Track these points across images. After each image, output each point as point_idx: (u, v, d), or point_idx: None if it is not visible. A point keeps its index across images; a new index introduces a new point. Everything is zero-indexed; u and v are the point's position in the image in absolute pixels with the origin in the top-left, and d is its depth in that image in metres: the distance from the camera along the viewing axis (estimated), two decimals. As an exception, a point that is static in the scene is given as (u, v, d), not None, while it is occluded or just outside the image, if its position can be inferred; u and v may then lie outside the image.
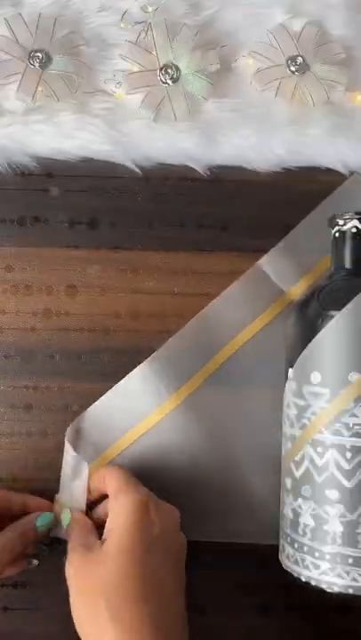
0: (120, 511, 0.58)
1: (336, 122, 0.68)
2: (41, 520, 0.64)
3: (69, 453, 0.67)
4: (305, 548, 0.58)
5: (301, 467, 0.58)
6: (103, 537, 0.59)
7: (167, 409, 0.67)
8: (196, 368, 0.68)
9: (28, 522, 0.64)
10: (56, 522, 0.65)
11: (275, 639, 0.67)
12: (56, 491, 0.67)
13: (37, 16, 0.65)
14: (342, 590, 0.56)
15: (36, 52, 0.65)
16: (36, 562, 0.65)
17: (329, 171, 0.69)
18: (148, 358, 0.68)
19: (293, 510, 0.59)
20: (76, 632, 0.56)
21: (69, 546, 0.61)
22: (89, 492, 0.65)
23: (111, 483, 0.62)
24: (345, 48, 0.67)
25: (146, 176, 0.69)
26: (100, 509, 0.64)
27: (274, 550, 0.64)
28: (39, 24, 0.65)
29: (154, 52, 0.66)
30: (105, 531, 0.59)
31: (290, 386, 0.60)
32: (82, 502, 0.65)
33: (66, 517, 0.64)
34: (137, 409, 0.67)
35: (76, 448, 0.67)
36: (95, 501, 0.65)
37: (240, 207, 0.69)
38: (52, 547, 0.65)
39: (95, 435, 0.68)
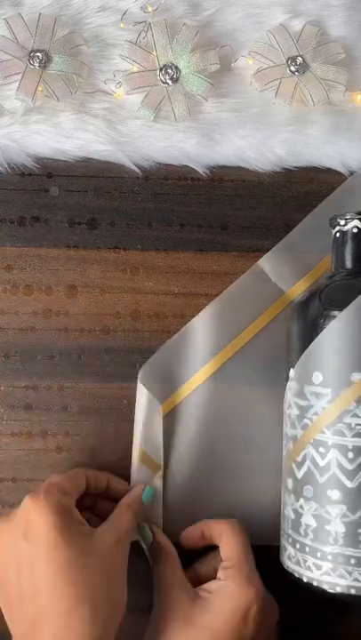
0: (225, 596, 0.59)
1: (336, 122, 0.68)
2: (146, 495, 0.65)
3: (142, 394, 0.67)
4: (307, 549, 0.58)
5: (303, 467, 0.58)
6: (200, 589, 0.61)
7: (167, 408, 0.67)
8: (197, 369, 0.68)
9: (137, 498, 0.64)
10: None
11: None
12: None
13: (37, 16, 0.65)
14: (344, 591, 0.56)
15: (35, 52, 0.65)
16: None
17: (329, 171, 0.69)
18: (147, 360, 0.68)
19: (295, 511, 0.59)
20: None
21: (158, 569, 0.62)
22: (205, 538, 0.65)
23: (228, 549, 0.62)
24: (345, 48, 0.67)
25: (146, 176, 0.69)
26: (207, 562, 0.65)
27: (274, 551, 0.64)
28: (39, 24, 0.65)
29: (154, 52, 0.66)
30: (203, 588, 0.61)
31: (291, 386, 0.60)
32: (158, 444, 0.67)
33: (146, 535, 0.65)
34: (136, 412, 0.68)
35: (148, 389, 0.67)
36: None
37: (240, 207, 0.69)
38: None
39: (167, 374, 0.68)
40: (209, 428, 0.67)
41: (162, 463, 0.67)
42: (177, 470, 0.67)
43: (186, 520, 0.65)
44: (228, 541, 0.62)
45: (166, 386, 0.68)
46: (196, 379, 0.67)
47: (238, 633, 0.57)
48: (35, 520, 0.56)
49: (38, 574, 0.55)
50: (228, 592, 0.59)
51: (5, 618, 0.57)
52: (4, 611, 0.58)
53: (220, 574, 0.61)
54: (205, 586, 0.61)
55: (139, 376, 0.68)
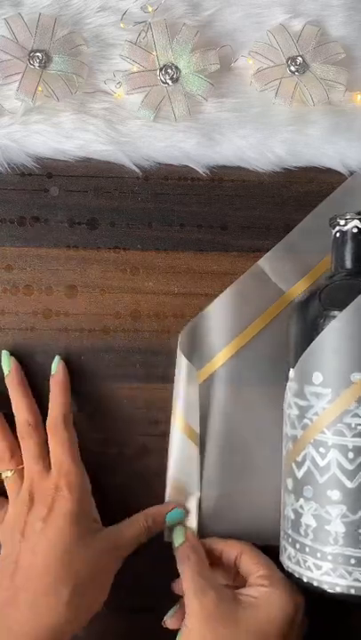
0: (276, 600, 0.59)
1: (336, 122, 0.68)
2: (173, 515, 0.66)
3: (182, 360, 0.68)
4: (307, 549, 0.58)
5: (303, 467, 0.58)
6: (239, 594, 0.61)
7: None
8: (197, 369, 0.68)
9: (159, 515, 0.65)
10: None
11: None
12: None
13: (37, 16, 0.65)
14: (344, 591, 0.56)
15: (35, 52, 0.64)
16: None
17: (329, 171, 0.69)
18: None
19: (295, 511, 0.59)
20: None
21: (187, 572, 0.62)
22: (215, 553, 0.65)
23: (258, 561, 0.63)
24: (345, 48, 0.67)
25: (146, 176, 0.69)
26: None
27: (274, 551, 0.64)
28: (39, 24, 0.64)
29: (154, 52, 0.66)
30: (243, 593, 0.61)
31: (291, 386, 0.60)
32: (196, 413, 0.67)
33: (179, 535, 0.65)
34: None
35: (187, 356, 0.68)
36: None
37: (240, 207, 0.69)
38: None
39: (204, 342, 0.68)
40: (205, 429, 0.67)
41: (198, 432, 0.67)
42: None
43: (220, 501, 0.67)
44: (253, 556, 0.63)
45: (202, 354, 0.68)
46: (197, 378, 0.68)
47: (284, 638, 0.58)
48: (58, 506, 0.61)
49: (40, 553, 0.60)
50: (277, 598, 0.59)
51: None
52: None
53: (260, 581, 0.61)
54: (244, 590, 0.61)
55: (179, 344, 0.68)
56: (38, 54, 0.64)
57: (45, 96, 0.65)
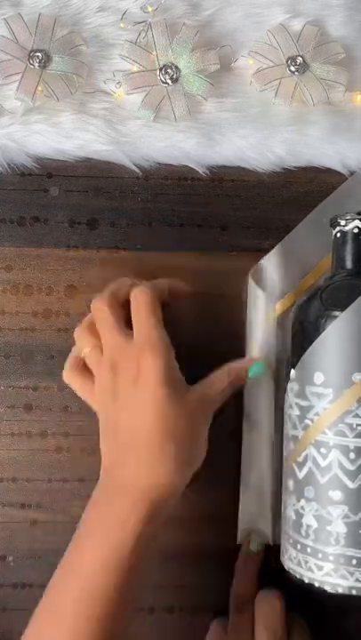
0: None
1: (336, 122, 0.68)
2: (254, 369, 0.66)
3: (256, 294, 0.68)
4: (308, 550, 0.58)
5: (304, 468, 0.59)
6: None
7: None
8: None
9: (241, 369, 0.65)
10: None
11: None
12: (55, 490, 0.68)
13: (37, 16, 0.65)
14: (346, 592, 0.56)
15: (35, 52, 0.64)
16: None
17: (329, 171, 0.69)
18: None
19: (296, 511, 0.59)
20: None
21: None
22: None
23: None
24: (345, 48, 0.67)
25: (146, 176, 0.69)
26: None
27: (274, 551, 0.64)
28: (39, 24, 0.64)
29: (154, 52, 0.66)
30: None
31: (292, 386, 0.60)
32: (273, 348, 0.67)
33: (255, 544, 0.66)
34: None
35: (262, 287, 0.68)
36: None
37: (240, 207, 0.70)
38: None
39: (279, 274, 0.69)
40: None
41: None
42: None
43: None
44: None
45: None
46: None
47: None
48: (146, 368, 0.60)
49: (137, 414, 0.60)
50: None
51: (101, 446, 0.63)
52: (101, 440, 0.63)
53: None
54: None
55: (251, 276, 0.68)
56: (38, 54, 0.64)
57: (45, 96, 0.65)
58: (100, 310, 0.63)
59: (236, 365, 0.65)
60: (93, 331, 0.64)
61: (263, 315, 0.67)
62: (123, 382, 0.61)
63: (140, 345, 0.61)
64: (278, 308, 0.67)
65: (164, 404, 0.59)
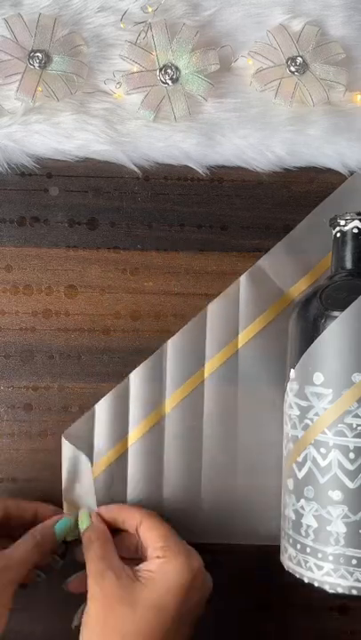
0: (171, 570, 0.58)
1: (336, 122, 0.68)
2: (60, 526, 0.64)
3: (70, 453, 0.67)
4: (308, 550, 0.58)
5: (304, 468, 0.59)
6: (138, 571, 0.59)
7: (167, 409, 0.67)
8: (197, 368, 0.68)
9: (45, 528, 0.64)
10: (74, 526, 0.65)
11: (275, 639, 0.67)
12: (56, 490, 0.68)
13: (37, 16, 0.65)
14: (345, 591, 0.56)
15: (35, 52, 0.64)
16: (43, 576, 0.64)
17: (329, 171, 0.69)
18: (147, 359, 0.68)
19: (296, 511, 0.59)
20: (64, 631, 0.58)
21: (90, 556, 0.61)
22: (117, 522, 0.65)
23: (155, 533, 0.62)
24: (345, 48, 0.67)
25: (146, 176, 0.69)
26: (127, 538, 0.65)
27: (274, 550, 0.64)
28: (39, 24, 0.65)
29: (153, 53, 0.66)
30: (142, 569, 0.59)
31: (291, 386, 0.60)
32: (92, 502, 0.66)
33: (84, 519, 0.65)
34: (136, 411, 0.68)
35: (78, 447, 0.67)
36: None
37: (240, 207, 0.69)
38: (65, 558, 0.66)
39: (97, 436, 0.68)
40: (209, 428, 0.67)
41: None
42: (176, 473, 0.67)
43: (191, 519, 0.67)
44: (150, 527, 0.62)
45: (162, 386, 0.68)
46: (194, 380, 0.68)
47: (184, 605, 0.57)
48: None
49: None
50: (172, 567, 0.58)
51: None
52: None
53: (156, 553, 0.60)
54: (143, 566, 0.60)
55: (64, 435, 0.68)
56: (38, 54, 0.64)
57: (45, 96, 0.65)
58: None
59: (40, 526, 0.64)
60: None
61: (73, 475, 0.68)
62: None
63: None
64: (276, 308, 0.68)
65: None
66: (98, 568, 0.59)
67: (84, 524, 0.64)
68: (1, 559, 0.59)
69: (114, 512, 0.65)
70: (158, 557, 0.60)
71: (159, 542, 0.61)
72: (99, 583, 0.58)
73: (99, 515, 0.65)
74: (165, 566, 0.59)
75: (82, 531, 0.64)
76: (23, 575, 0.60)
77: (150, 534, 0.62)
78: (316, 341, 0.58)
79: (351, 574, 0.56)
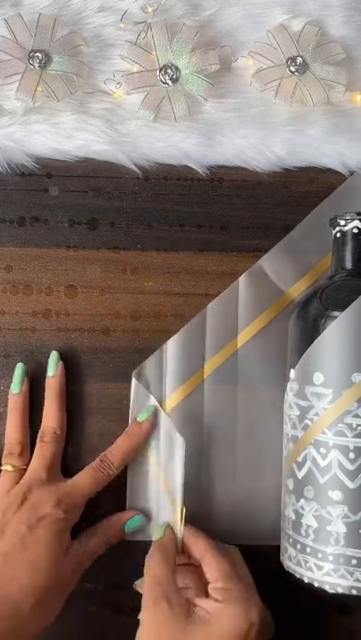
0: (226, 619, 0.57)
1: (336, 122, 0.68)
2: (131, 525, 0.65)
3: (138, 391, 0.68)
4: (308, 550, 0.58)
5: (304, 468, 0.59)
6: (194, 606, 0.59)
7: (167, 409, 0.67)
8: (196, 368, 0.68)
9: (116, 525, 0.65)
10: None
11: (274, 639, 0.67)
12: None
13: (37, 16, 0.65)
14: (345, 591, 0.56)
15: (35, 52, 0.64)
16: None
17: (329, 171, 0.69)
18: (147, 359, 0.68)
19: (296, 511, 0.59)
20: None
21: (149, 576, 0.60)
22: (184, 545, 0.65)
23: (217, 568, 0.61)
24: (345, 48, 0.67)
25: (146, 176, 0.69)
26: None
27: (274, 550, 0.64)
28: (39, 24, 0.65)
29: (153, 53, 0.66)
30: (198, 605, 0.59)
31: (291, 386, 0.60)
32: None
33: (159, 531, 0.64)
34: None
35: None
36: None
37: (240, 207, 0.70)
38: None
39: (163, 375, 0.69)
40: (208, 428, 0.67)
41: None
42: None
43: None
44: (213, 561, 0.61)
45: (164, 387, 0.68)
46: (194, 380, 0.68)
47: None
48: (47, 522, 0.61)
49: (10, 557, 0.59)
50: (228, 617, 0.57)
51: None
52: None
53: (216, 595, 0.59)
54: (200, 602, 0.59)
55: (134, 376, 0.68)
56: (38, 54, 0.64)
57: (45, 96, 0.65)
58: (50, 439, 0.66)
59: (112, 522, 0.65)
60: (26, 451, 0.67)
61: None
62: (18, 521, 0.61)
63: (59, 495, 0.63)
64: (276, 308, 0.68)
65: (42, 564, 0.59)
66: (153, 594, 0.59)
67: (157, 535, 0.64)
68: (78, 554, 0.62)
69: (184, 533, 0.65)
70: (217, 601, 0.58)
71: (219, 582, 0.60)
72: (151, 610, 0.58)
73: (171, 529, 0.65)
74: (222, 613, 0.58)
75: (153, 541, 0.64)
76: (86, 567, 0.63)
77: (212, 569, 0.61)
78: (316, 341, 0.58)
79: (351, 574, 0.56)
